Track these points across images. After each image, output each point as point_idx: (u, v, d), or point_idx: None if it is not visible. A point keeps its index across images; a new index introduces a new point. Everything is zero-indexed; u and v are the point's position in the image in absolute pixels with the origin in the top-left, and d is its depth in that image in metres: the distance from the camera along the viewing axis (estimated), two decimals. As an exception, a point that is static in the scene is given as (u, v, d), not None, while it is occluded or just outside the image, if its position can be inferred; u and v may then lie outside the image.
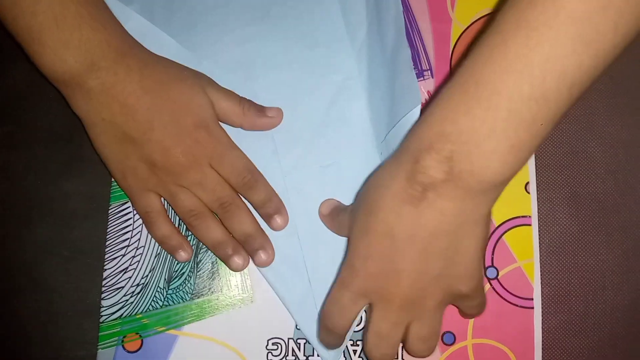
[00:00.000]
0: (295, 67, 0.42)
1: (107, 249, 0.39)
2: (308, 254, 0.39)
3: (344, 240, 0.38)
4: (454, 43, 0.42)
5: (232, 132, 0.39)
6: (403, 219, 0.30)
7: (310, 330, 0.38)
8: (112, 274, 0.38)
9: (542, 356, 0.38)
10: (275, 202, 0.39)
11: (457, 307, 0.35)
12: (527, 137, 0.27)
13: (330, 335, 0.35)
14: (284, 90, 0.41)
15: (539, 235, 0.40)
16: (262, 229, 0.39)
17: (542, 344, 0.38)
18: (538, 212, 0.40)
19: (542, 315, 0.38)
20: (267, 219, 0.39)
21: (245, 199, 0.39)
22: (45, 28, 0.32)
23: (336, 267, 0.39)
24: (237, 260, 0.38)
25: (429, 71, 0.42)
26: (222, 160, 0.37)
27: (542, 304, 0.39)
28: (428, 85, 0.42)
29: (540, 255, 0.39)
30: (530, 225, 0.40)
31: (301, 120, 0.41)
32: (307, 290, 0.39)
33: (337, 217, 0.38)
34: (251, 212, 0.39)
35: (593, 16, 0.25)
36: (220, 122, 0.39)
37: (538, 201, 0.40)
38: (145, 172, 0.36)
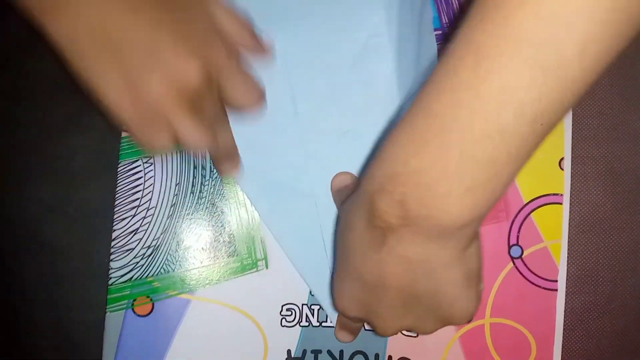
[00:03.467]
0: (317, 20, 0.38)
1: (116, 209, 0.37)
2: (325, 221, 0.37)
3: None
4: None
5: None
6: (368, 265, 0.28)
7: (324, 296, 0.37)
8: (121, 235, 0.37)
9: (563, 337, 0.37)
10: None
11: None
12: (485, 178, 0.24)
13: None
14: (303, 45, 0.38)
15: (570, 212, 0.38)
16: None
17: (564, 325, 0.37)
18: (571, 188, 0.38)
19: (565, 295, 0.37)
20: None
21: None
22: None
23: None
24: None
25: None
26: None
27: (566, 284, 0.37)
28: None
29: (569, 234, 0.38)
30: (561, 204, 0.38)
31: (322, 80, 0.38)
32: (323, 257, 0.37)
33: (341, 199, 0.36)
34: None
35: (554, 39, 0.21)
36: None
37: (572, 175, 0.38)
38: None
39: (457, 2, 0.38)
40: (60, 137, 0.37)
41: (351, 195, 0.30)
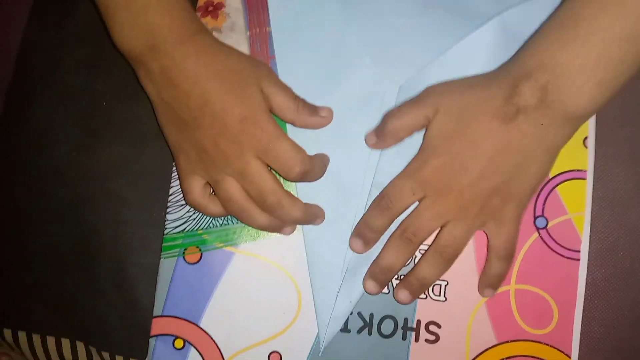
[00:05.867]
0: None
1: (173, 168, 0.41)
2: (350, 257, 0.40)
3: None
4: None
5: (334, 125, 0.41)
6: (491, 132, 0.34)
7: (325, 313, 0.39)
8: (177, 190, 0.41)
9: (584, 305, 0.39)
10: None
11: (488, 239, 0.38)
12: (613, 75, 0.31)
13: (380, 216, 0.38)
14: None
15: (593, 189, 0.40)
16: (309, 205, 0.39)
17: (585, 295, 0.39)
18: (594, 167, 0.40)
19: (587, 266, 0.39)
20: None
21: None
22: (118, 6, 0.35)
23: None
24: (287, 231, 0.40)
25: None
26: (268, 152, 0.36)
27: (588, 255, 0.39)
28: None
29: (592, 208, 0.39)
30: (585, 179, 0.40)
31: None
32: (339, 276, 0.40)
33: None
34: (295, 198, 0.38)
35: None
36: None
37: (595, 156, 0.40)
38: (194, 157, 0.37)
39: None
40: (129, 104, 0.42)
41: (482, 78, 0.36)
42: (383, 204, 0.37)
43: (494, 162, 0.34)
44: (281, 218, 0.38)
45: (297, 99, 0.39)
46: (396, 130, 0.38)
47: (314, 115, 0.40)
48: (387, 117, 0.38)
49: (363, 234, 0.38)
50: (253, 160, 0.36)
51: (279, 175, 0.37)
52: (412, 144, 0.38)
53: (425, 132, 0.37)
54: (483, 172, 0.34)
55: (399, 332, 0.40)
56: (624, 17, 0.30)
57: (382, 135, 0.39)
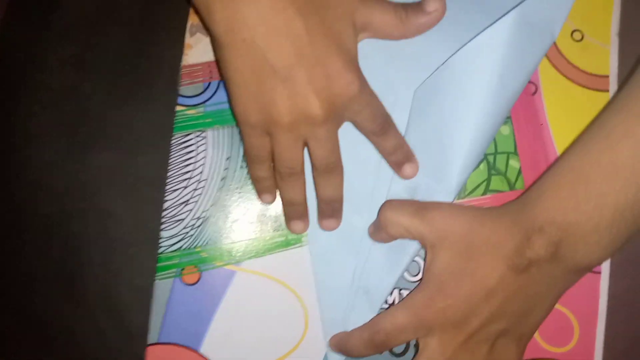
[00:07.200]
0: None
1: (168, 180, 0.38)
2: (361, 259, 0.38)
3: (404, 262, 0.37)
4: None
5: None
6: (503, 279, 0.33)
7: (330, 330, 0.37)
8: (172, 205, 0.38)
9: (607, 320, 0.37)
10: (406, 149, 0.36)
11: None
12: (626, 232, 0.31)
13: (368, 348, 0.35)
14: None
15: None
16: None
17: (607, 308, 0.38)
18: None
19: (609, 278, 0.38)
20: (397, 167, 0.36)
21: (375, 146, 0.36)
22: None
23: (384, 281, 0.37)
24: (296, 225, 0.37)
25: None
26: (363, 108, 0.33)
27: (610, 267, 0.38)
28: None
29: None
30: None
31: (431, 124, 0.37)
32: (348, 290, 0.38)
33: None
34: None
35: None
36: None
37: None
38: (274, 114, 0.32)
39: None
40: (120, 107, 0.39)
41: (495, 214, 0.34)
42: (377, 339, 0.34)
43: (504, 306, 0.33)
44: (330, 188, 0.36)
45: (396, 10, 0.35)
46: (387, 221, 0.35)
47: (421, 16, 0.36)
48: (384, 205, 0.36)
49: (342, 350, 0.36)
50: (335, 129, 0.34)
51: (362, 126, 0.35)
52: (429, 151, 0.36)
53: (430, 262, 0.34)
54: (493, 316, 0.33)
55: (411, 350, 0.38)
56: (636, 184, 0.30)
57: (376, 224, 0.37)
